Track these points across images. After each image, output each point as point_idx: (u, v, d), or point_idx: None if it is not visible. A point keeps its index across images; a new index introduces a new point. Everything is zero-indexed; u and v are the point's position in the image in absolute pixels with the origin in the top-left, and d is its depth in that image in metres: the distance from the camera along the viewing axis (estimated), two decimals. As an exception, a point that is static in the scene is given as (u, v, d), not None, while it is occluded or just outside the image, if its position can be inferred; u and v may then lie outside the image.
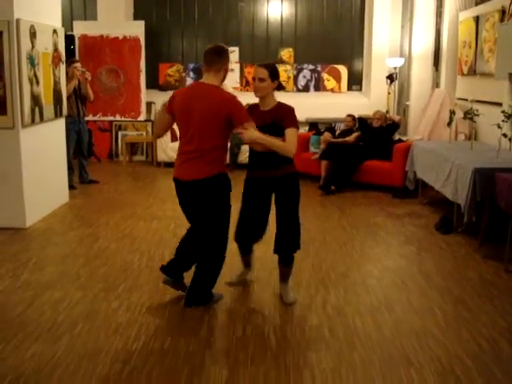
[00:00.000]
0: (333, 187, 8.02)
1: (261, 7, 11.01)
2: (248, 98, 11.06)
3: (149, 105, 10.72)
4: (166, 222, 6.40)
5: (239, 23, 11.05)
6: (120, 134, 10.75)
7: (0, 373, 3.24)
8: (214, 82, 4.00)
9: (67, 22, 9.78)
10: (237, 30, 11.06)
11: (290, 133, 3.99)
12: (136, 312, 4.06)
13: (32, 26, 6.16)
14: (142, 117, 10.62)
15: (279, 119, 4.03)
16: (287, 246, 4.19)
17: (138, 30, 10.38)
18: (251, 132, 3.88)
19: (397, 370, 3.30)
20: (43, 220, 6.48)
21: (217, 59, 4.00)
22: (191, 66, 11.08)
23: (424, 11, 9.69)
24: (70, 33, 10.03)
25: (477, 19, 7.78)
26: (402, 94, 10.50)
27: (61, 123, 7.26)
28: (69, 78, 7.96)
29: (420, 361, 3.41)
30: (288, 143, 3.97)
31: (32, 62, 6.21)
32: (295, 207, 4.16)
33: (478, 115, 6.61)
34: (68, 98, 7.83)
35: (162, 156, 9.99)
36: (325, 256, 5.35)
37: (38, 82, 6.36)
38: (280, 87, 4.22)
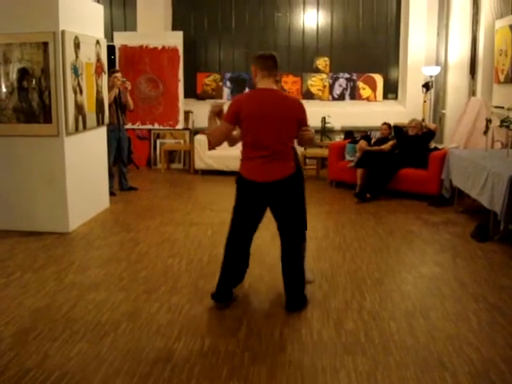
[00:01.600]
0: (368, 195, 8.06)
1: (297, 17, 11.12)
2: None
3: (186, 113, 10.91)
4: (204, 228, 6.54)
5: (275, 33, 11.18)
6: (158, 142, 10.96)
7: (47, 369, 3.39)
8: (275, 88, 4.18)
9: (108, 33, 10.05)
10: (273, 39, 11.19)
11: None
12: (176, 313, 4.19)
13: (76, 37, 6.39)
14: (180, 125, 10.82)
15: None
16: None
17: (176, 40, 10.60)
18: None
19: (431, 374, 3.35)
20: (85, 225, 6.68)
21: (276, 66, 4.18)
22: (228, 75, 11.25)
23: (460, 19, 9.68)
24: (110, 43, 10.27)
25: (514, 27, 7.78)
26: (438, 103, 10.49)
27: (102, 131, 7.48)
28: (109, 87, 8.20)
29: (454, 365, 3.46)
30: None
31: (76, 72, 6.42)
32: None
33: (514, 123, 6.60)
34: (109, 107, 8.06)
35: (199, 164, 10.15)
36: (360, 262, 5.42)
37: (81, 92, 6.57)
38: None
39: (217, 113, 4.29)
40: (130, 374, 3.34)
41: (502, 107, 7.85)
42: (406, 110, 10.62)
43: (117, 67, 10.09)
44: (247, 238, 4.41)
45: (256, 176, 4.17)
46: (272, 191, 4.18)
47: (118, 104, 8.42)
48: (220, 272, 4.41)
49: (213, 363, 3.47)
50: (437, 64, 10.34)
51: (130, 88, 8.60)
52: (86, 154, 6.82)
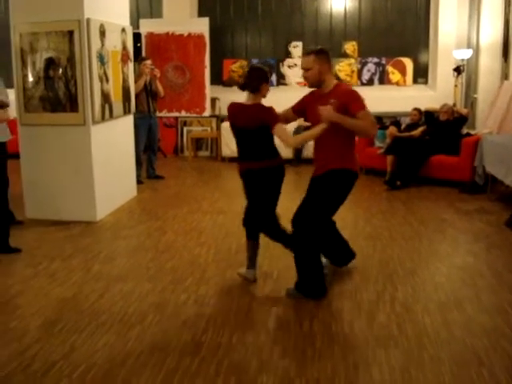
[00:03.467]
0: (398, 182, 7.91)
1: (324, 1, 10.93)
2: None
3: (213, 101, 10.83)
4: (231, 216, 6.46)
5: (302, 18, 11.00)
6: (185, 129, 10.92)
7: (74, 361, 3.35)
8: None
9: (134, 20, 9.98)
10: (300, 24, 11.01)
11: (362, 116, 3.97)
12: (204, 305, 4.13)
13: (102, 25, 6.33)
14: (207, 112, 10.75)
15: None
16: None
17: (202, 26, 10.51)
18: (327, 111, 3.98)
19: (468, 370, 3.24)
20: (113, 214, 6.66)
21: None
22: (255, 61, 11.11)
23: (492, 1, 9.41)
24: (136, 31, 10.22)
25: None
26: (470, 87, 10.23)
27: (129, 120, 7.43)
28: (138, 75, 8.20)
29: (491, 360, 3.33)
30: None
31: (102, 60, 6.37)
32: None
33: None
34: (138, 95, 8.08)
35: (226, 151, 10.09)
36: (391, 252, 5.30)
37: (107, 80, 6.52)
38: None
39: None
40: (156, 368, 3.28)
41: (538, 91, 7.64)
42: (437, 94, 10.37)
43: (143, 55, 10.04)
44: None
45: (357, 167, 4.32)
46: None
47: (149, 91, 8.41)
48: (310, 270, 4.25)
49: (241, 357, 3.39)
50: (468, 47, 10.07)
51: (159, 75, 8.60)
52: (113, 142, 6.79)
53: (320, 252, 4.38)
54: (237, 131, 4.40)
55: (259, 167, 4.34)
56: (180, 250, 5.39)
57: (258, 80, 4.24)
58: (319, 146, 4.30)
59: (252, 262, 4.56)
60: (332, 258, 4.77)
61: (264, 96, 4.31)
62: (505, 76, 9.30)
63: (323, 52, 4.20)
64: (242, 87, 4.31)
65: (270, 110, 4.21)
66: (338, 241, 4.72)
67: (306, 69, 4.17)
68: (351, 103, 4.00)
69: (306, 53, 4.23)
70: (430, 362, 3.33)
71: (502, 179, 6.61)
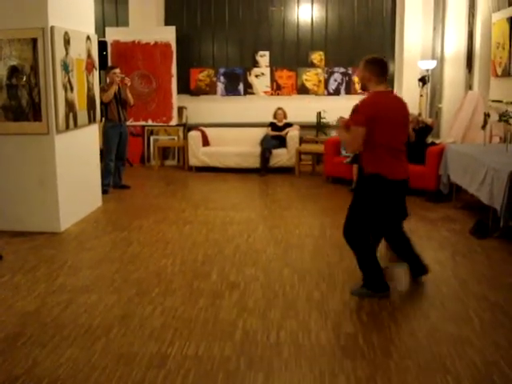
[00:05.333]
0: (365, 191, 7.94)
1: (291, 11, 10.99)
2: (278, 102, 11.11)
3: (180, 109, 10.78)
4: (198, 227, 6.43)
5: (270, 27, 11.04)
6: (152, 138, 10.85)
7: (36, 376, 3.27)
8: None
9: (99, 29, 9.90)
10: (267, 34, 11.05)
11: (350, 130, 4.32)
12: (170, 316, 4.08)
13: (66, 33, 6.25)
14: (174, 121, 10.70)
15: None
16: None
17: (169, 35, 10.48)
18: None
19: (433, 378, 3.25)
20: (77, 224, 6.56)
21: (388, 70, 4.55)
22: (222, 70, 11.11)
23: (456, 13, 9.58)
24: (102, 39, 10.14)
25: (510, 20, 7.66)
26: (435, 97, 10.37)
27: (94, 129, 7.34)
28: (108, 84, 8.19)
29: (457, 368, 3.35)
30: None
31: (66, 68, 6.29)
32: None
33: (513, 117, 6.50)
34: (109, 104, 8.05)
35: (193, 160, 10.04)
36: (358, 261, 5.31)
37: (71, 89, 6.44)
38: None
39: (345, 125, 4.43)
40: (122, 381, 3.22)
41: (500, 101, 7.76)
42: (402, 104, 10.48)
43: (109, 63, 9.95)
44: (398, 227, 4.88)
45: (398, 174, 4.46)
46: (404, 187, 4.60)
47: (119, 100, 8.37)
48: (370, 270, 4.49)
49: (207, 369, 3.36)
50: (433, 58, 10.23)
51: (129, 84, 8.61)
52: (78, 151, 6.70)
53: (374, 252, 4.59)
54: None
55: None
56: (146, 260, 5.33)
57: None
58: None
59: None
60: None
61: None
62: (469, 86, 9.45)
63: (372, 61, 4.45)
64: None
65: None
66: (409, 254, 4.84)
67: (359, 72, 4.58)
68: (351, 115, 4.43)
69: (363, 59, 4.52)
70: (396, 371, 3.33)
71: (466, 188, 6.69)
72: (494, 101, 8.30)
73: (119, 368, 3.37)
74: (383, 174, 4.35)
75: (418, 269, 4.83)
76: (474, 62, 9.25)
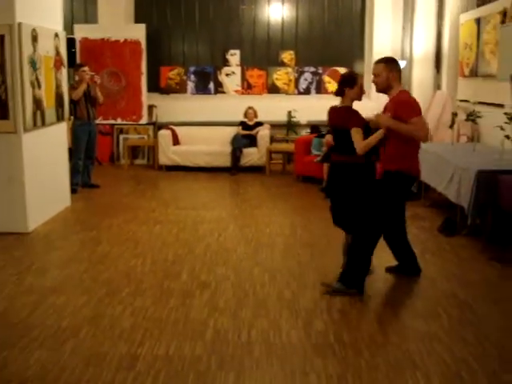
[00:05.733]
0: (335, 190, 7.99)
1: (262, 10, 10.99)
2: (249, 101, 11.09)
3: (150, 108, 10.70)
4: (168, 226, 6.39)
5: (240, 26, 11.02)
6: (121, 137, 10.75)
7: (4, 379, 3.22)
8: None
9: (68, 26, 9.79)
10: (238, 32, 11.03)
11: (413, 122, 4.34)
12: (140, 317, 4.05)
13: (34, 30, 6.16)
14: (144, 120, 10.61)
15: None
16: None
17: (138, 33, 10.39)
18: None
19: (403, 375, 3.28)
20: (45, 224, 6.46)
21: None
22: (192, 69, 11.06)
23: (425, 13, 9.67)
24: (70, 36, 10.03)
25: (478, 21, 7.78)
26: (404, 96, 10.45)
27: (62, 127, 7.25)
28: (78, 81, 8.11)
29: (426, 364, 3.40)
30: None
31: (34, 65, 6.20)
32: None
33: (480, 117, 6.60)
34: (78, 102, 7.98)
35: (163, 159, 9.98)
36: (329, 259, 5.33)
37: (39, 86, 6.35)
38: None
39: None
40: (91, 383, 3.18)
41: (468, 101, 7.87)
42: (373, 104, 10.54)
43: (78, 61, 9.83)
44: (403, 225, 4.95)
45: (418, 172, 4.64)
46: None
47: (88, 98, 8.29)
48: (359, 266, 4.48)
49: (178, 369, 3.34)
50: (402, 58, 10.31)
51: (99, 82, 8.62)
52: (46, 150, 6.60)
53: (372, 252, 4.59)
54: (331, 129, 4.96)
55: (344, 161, 4.64)
56: (115, 260, 5.28)
57: (341, 85, 4.62)
58: (383, 150, 4.63)
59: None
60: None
61: (352, 100, 4.64)
62: (437, 86, 9.56)
63: (392, 61, 4.55)
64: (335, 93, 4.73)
65: (353, 113, 4.56)
66: (407, 252, 4.91)
67: (375, 74, 4.54)
68: (401, 112, 4.35)
69: (377, 61, 4.58)
70: (366, 368, 3.36)
71: (434, 187, 6.77)
72: (461, 100, 8.41)
73: (89, 369, 3.33)
74: (409, 170, 4.50)
75: (412, 269, 4.89)
76: (442, 62, 9.37)
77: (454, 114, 7.10)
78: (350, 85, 4.59)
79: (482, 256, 5.37)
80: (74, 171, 8.01)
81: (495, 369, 3.35)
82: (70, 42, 9.24)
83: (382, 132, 4.45)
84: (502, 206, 5.17)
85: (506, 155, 6.04)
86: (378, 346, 3.64)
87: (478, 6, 8.07)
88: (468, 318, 4.06)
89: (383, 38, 10.57)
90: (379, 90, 4.65)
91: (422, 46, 9.78)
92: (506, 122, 5.87)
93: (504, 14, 6.91)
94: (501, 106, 6.81)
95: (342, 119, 4.58)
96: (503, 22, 6.91)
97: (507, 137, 5.89)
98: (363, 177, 4.63)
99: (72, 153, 8.19)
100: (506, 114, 6.01)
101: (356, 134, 4.48)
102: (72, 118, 8.24)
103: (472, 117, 6.69)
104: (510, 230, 5.08)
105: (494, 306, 4.29)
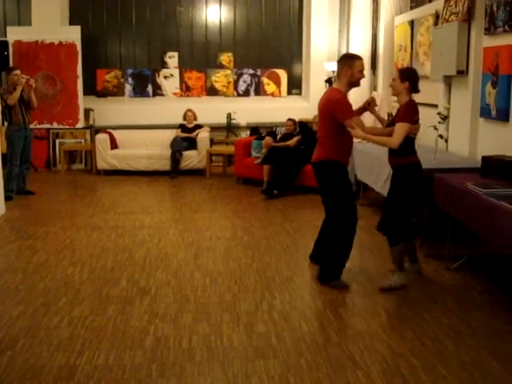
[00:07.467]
0: (275, 191, 8.04)
1: (199, 12, 10.95)
2: (188, 104, 11.00)
3: (87, 112, 10.48)
4: (107, 232, 6.28)
5: (178, 28, 10.95)
6: (57, 141, 10.51)
7: None
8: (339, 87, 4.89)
9: (0, 28, 9.52)
10: (175, 34, 10.95)
11: (396, 126, 4.56)
12: (78, 326, 3.95)
13: (-38, 33, 5.95)
14: (80, 124, 10.38)
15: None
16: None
17: (74, 35, 10.16)
18: (355, 132, 4.70)
19: (344, 374, 3.32)
20: (-22, 233, 6.26)
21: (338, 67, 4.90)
22: (130, 71, 10.91)
23: (360, 16, 9.83)
24: (3, 39, 9.76)
25: (412, 23, 7.96)
26: (341, 98, 10.59)
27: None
28: (10, 85, 7.86)
29: (366, 362, 3.44)
30: (391, 137, 4.58)
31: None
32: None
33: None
34: (13, 106, 7.77)
35: (101, 164, 9.81)
36: (269, 260, 5.36)
37: (-31, 91, 6.14)
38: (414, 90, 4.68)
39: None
40: (27, 396, 3.09)
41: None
42: (310, 105, 10.66)
43: (11, 64, 9.56)
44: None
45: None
46: None
47: (22, 102, 8.04)
48: (339, 255, 4.72)
49: (118, 378, 3.28)
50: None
51: (34, 85, 8.35)
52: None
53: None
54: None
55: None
56: (52, 269, 5.14)
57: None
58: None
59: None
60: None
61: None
62: (373, 87, 9.74)
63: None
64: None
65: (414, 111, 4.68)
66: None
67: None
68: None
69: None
70: (307, 368, 3.38)
71: (371, 186, 6.89)
72: (396, 101, 8.56)
73: (26, 382, 3.23)
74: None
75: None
76: (378, 63, 9.54)
77: (390, 115, 7.23)
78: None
79: (419, 253, 5.47)
80: (9, 177, 7.78)
81: (434, 364, 3.42)
82: (3, 45, 9.02)
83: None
84: (437, 203, 5.30)
85: (440, 154, 6.19)
86: (318, 345, 3.66)
87: (412, 8, 8.26)
88: (406, 315, 4.14)
89: (320, 40, 10.72)
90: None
91: (358, 48, 9.92)
92: (439, 122, 6.02)
93: (436, 16, 7.10)
94: (434, 106, 6.98)
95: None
96: (436, 24, 7.09)
97: (440, 136, 6.05)
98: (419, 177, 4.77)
99: (7, 159, 7.96)
100: (439, 114, 6.16)
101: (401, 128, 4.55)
102: (6, 123, 8.00)
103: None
104: (445, 226, 5.21)
105: (431, 301, 4.38)
